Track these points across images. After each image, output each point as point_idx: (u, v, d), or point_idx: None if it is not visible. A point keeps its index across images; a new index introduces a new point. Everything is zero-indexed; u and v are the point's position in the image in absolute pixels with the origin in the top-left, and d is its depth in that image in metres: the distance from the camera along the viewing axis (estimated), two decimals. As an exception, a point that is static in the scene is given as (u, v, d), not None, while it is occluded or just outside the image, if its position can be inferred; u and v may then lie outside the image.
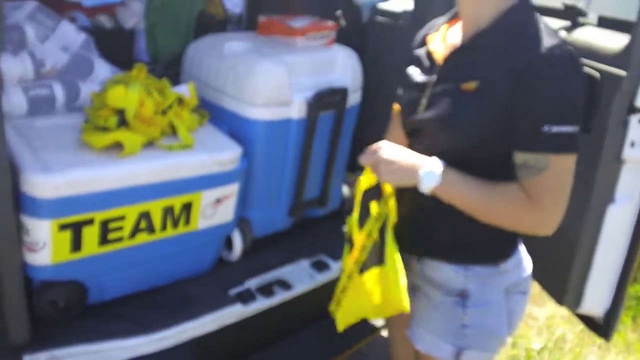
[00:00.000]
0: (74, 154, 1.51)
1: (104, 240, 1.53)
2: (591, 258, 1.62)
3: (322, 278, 1.89)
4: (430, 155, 1.10)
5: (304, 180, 2.00)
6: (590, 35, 1.70)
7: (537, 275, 1.36)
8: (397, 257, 1.10)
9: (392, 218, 1.12)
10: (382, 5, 2.50)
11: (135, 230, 1.58)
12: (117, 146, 1.55)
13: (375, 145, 1.11)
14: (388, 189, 1.12)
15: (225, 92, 1.89)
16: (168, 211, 1.62)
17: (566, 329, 2.61)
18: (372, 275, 1.16)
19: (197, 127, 1.79)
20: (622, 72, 1.48)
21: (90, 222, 1.48)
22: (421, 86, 1.16)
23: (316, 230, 2.14)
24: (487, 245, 1.16)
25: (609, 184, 1.56)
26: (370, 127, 2.15)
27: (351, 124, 2.11)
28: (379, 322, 2.07)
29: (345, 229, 1.29)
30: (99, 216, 1.49)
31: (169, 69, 2.26)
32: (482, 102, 1.03)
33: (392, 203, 1.12)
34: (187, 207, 1.65)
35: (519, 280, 1.21)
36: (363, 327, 1.98)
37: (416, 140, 1.18)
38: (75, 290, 1.54)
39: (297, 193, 2.01)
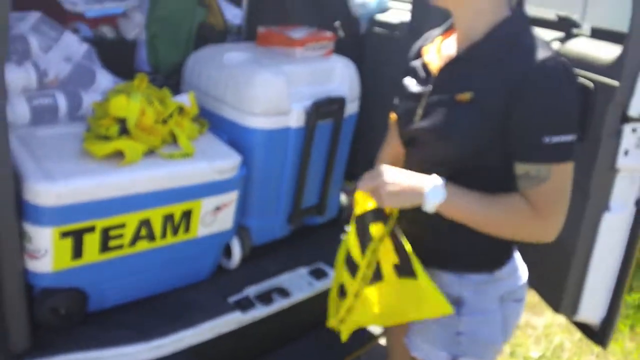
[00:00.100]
0: (76, 163, 1.53)
1: (104, 247, 1.54)
2: (587, 266, 1.63)
3: (320, 285, 1.90)
4: (427, 165, 1.12)
5: (303, 189, 2.02)
6: (583, 46, 1.72)
7: (533, 283, 1.37)
8: (424, 269, 1.12)
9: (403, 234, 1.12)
10: (380, 17, 2.54)
11: (136, 238, 1.59)
12: (119, 155, 1.57)
13: (371, 171, 1.11)
14: (392, 211, 1.12)
15: (225, 101, 1.92)
16: (168, 219, 1.63)
17: (564, 337, 2.62)
18: (392, 286, 1.16)
19: (197, 135, 1.81)
20: (615, 83, 1.51)
21: (91, 229, 1.49)
22: (417, 96, 1.18)
23: (314, 238, 2.15)
24: (482, 254, 1.18)
25: (604, 193, 1.58)
26: (368, 136, 2.17)
27: (349, 133, 2.14)
28: (377, 330, 2.08)
29: (342, 248, 1.29)
30: (100, 224, 1.51)
31: (170, 78, 2.28)
32: (477, 113, 1.05)
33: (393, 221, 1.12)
34: (187, 215, 1.67)
35: (514, 288, 1.22)
36: (361, 336, 1.99)
37: (412, 149, 1.20)
38: (75, 297, 1.55)
39: (296, 201, 2.03)
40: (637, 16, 1.47)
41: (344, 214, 2.31)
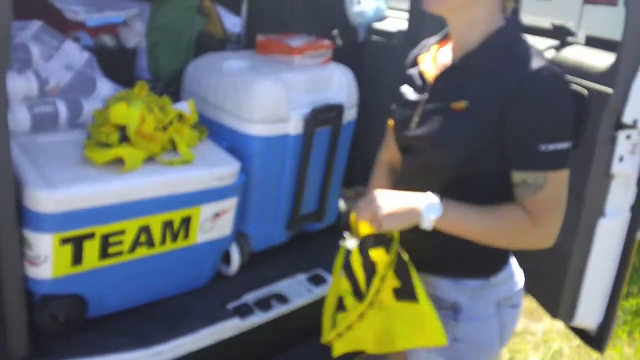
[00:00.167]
0: (77, 170, 1.55)
1: (104, 254, 1.55)
2: (583, 271, 1.64)
3: (319, 292, 1.91)
4: (422, 172, 1.13)
5: (301, 195, 2.03)
6: (578, 54, 1.74)
7: (531, 289, 1.38)
8: (426, 294, 1.11)
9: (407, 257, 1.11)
10: (377, 25, 2.56)
11: (135, 244, 1.60)
12: (119, 161, 1.58)
13: (365, 199, 1.11)
14: (393, 234, 1.11)
15: (224, 108, 1.93)
16: (167, 225, 1.64)
17: (563, 343, 2.62)
18: (389, 310, 1.15)
19: (197, 142, 1.83)
20: (609, 90, 1.52)
21: (91, 236, 1.50)
22: (413, 104, 1.20)
23: (313, 245, 2.16)
24: (478, 259, 1.19)
25: (599, 199, 1.59)
26: (366, 143, 2.19)
27: (347, 140, 2.15)
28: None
29: (338, 258, 1.27)
30: (100, 230, 1.52)
31: (170, 86, 2.30)
32: (472, 121, 1.06)
33: (396, 245, 1.11)
34: (186, 222, 1.68)
35: (510, 294, 1.23)
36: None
37: (408, 156, 1.21)
38: (75, 303, 1.56)
39: (295, 207, 2.04)
40: (630, 25, 1.49)
41: (343, 221, 2.32)
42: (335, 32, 2.60)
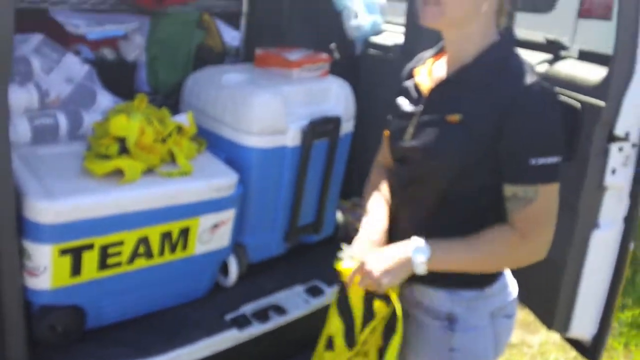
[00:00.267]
0: (76, 181, 1.56)
1: (103, 265, 1.56)
2: (578, 283, 1.65)
3: (316, 303, 1.92)
4: (415, 185, 1.16)
5: (299, 207, 2.05)
6: (571, 68, 1.78)
7: (526, 300, 1.39)
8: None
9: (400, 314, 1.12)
10: (374, 39, 2.60)
11: (134, 256, 1.61)
12: (118, 173, 1.59)
13: (356, 270, 1.12)
14: (393, 290, 1.12)
15: (222, 121, 1.95)
16: (166, 236, 1.65)
17: (559, 355, 2.62)
18: None
19: (196, 154, 1.84)
20: (601, 103, 1.55)
21: (90, 247, 1.51)
22: (409, 115, 1.22)
23: (311, 256, 2.17)
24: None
25: (593, 210, 1.61)
26: (363, 155, 2.21)
27: (344, 152, 2.17)
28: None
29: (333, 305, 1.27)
30: (99, 241, 1.53)
31: (169, 99, 2.32)
32: (465, 134, 1.09)
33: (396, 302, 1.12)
34: (185, 233, 1.69)
35: (505, 304, 1.24)
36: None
37: (402, 167, 1.23)
38: (74, 314, 1.56)
39: (292, 219, 2.05)
40: (621, 39, 1.52)
41: (340, 232, 2.33)
42: (332, 45, 2.63)
